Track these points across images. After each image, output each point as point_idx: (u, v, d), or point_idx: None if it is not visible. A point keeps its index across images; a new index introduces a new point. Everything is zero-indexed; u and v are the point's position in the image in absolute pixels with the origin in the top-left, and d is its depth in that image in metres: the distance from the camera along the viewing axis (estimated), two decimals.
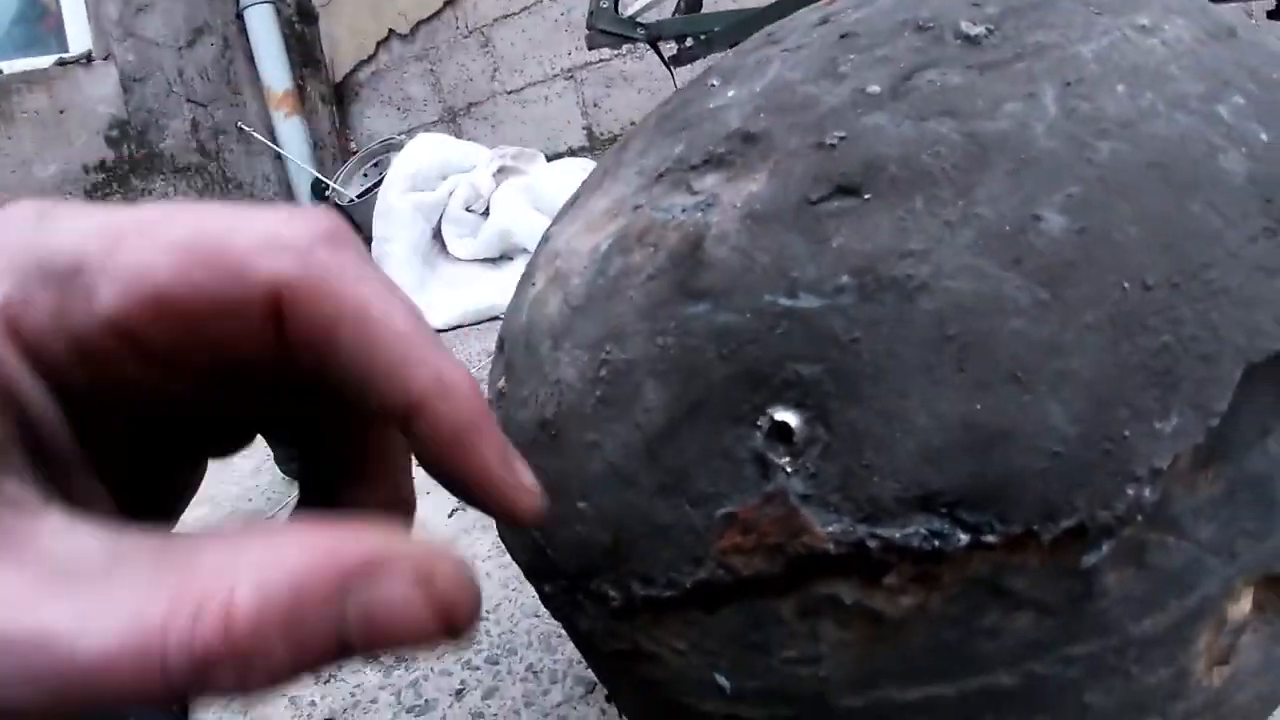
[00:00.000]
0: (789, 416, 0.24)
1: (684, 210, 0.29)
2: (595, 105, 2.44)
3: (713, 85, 0.35)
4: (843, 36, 0.33)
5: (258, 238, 0.15)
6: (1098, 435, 0.24)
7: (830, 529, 0.24)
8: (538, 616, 0.75)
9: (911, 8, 0.33)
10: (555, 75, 2.44)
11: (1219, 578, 0.28)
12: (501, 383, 0.36)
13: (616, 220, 0.32)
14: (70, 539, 0.14)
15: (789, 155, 0.27)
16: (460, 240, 2.13)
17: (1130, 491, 0.25)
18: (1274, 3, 1.19)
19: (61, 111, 2.20)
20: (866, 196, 0.26)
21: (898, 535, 0.24)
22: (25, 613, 0.13)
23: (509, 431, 0.35)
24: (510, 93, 2.53)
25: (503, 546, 0.90)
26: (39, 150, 2.13)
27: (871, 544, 0.24)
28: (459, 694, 0.69)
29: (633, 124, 2.46)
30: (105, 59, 2.31)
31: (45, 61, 2.26)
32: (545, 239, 0.39)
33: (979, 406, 0.23)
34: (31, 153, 2.11)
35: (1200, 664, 0.28)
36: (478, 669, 0.71)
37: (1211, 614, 0.28)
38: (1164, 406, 0.25)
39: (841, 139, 0.27)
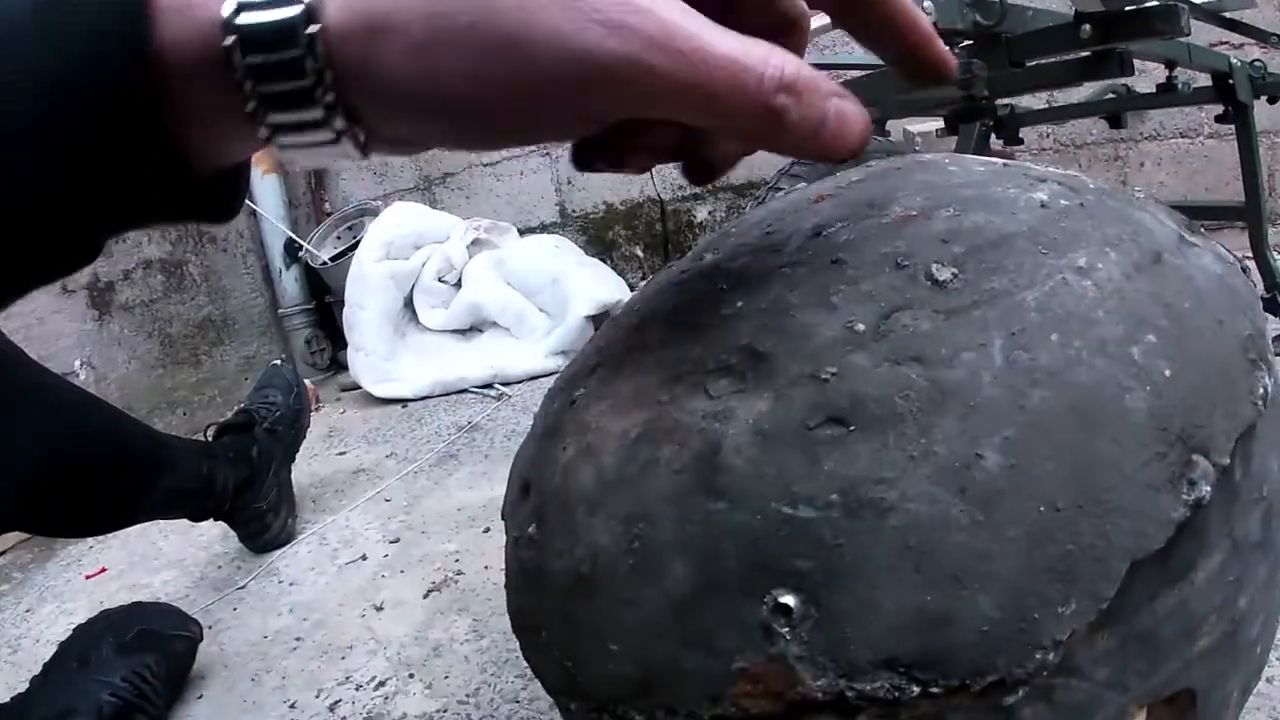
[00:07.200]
0: (789, 598, 0.32)
1: (704, 416, 0.36)
2: (569, 183, 2.54)
3: (722, 289, 0.43)
4: (834, 262, 0.39)
5: None
6: (1014, 618, 0.32)
7: (819, 682, 0.32)
8: (516, 702, 0.80)
9: (889, 238, 0.39)
10: (531, 151, 2.53)
11: (1114, 705, 0.36)
12: (532, 529, 0.42)
13: (643, 409, 0.39)
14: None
15: (790, 382, 0.35)
16: (431, 310, 2.18)
17: (1038, 656, 0.32)
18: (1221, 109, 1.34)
19: None
20: (852, 428, 0.33)
21: (868, 688, 0.32)
22: (681, 14, 0.23)
23: (543, 574, 0.41)
24: (486, 165, 2.62)
25: (479, 630, 0.95)
26: None
27: (849, 694, 0.32)
28: None
29: (605, 204, 2.54)
30: None
31: None
32: (570, 402, 0.44)
33: (929, 598, 0.31)
34: None
35: None
36: None
37: None
38: (1065, 596, 0.32)
39: (833, 374, 0.34)
